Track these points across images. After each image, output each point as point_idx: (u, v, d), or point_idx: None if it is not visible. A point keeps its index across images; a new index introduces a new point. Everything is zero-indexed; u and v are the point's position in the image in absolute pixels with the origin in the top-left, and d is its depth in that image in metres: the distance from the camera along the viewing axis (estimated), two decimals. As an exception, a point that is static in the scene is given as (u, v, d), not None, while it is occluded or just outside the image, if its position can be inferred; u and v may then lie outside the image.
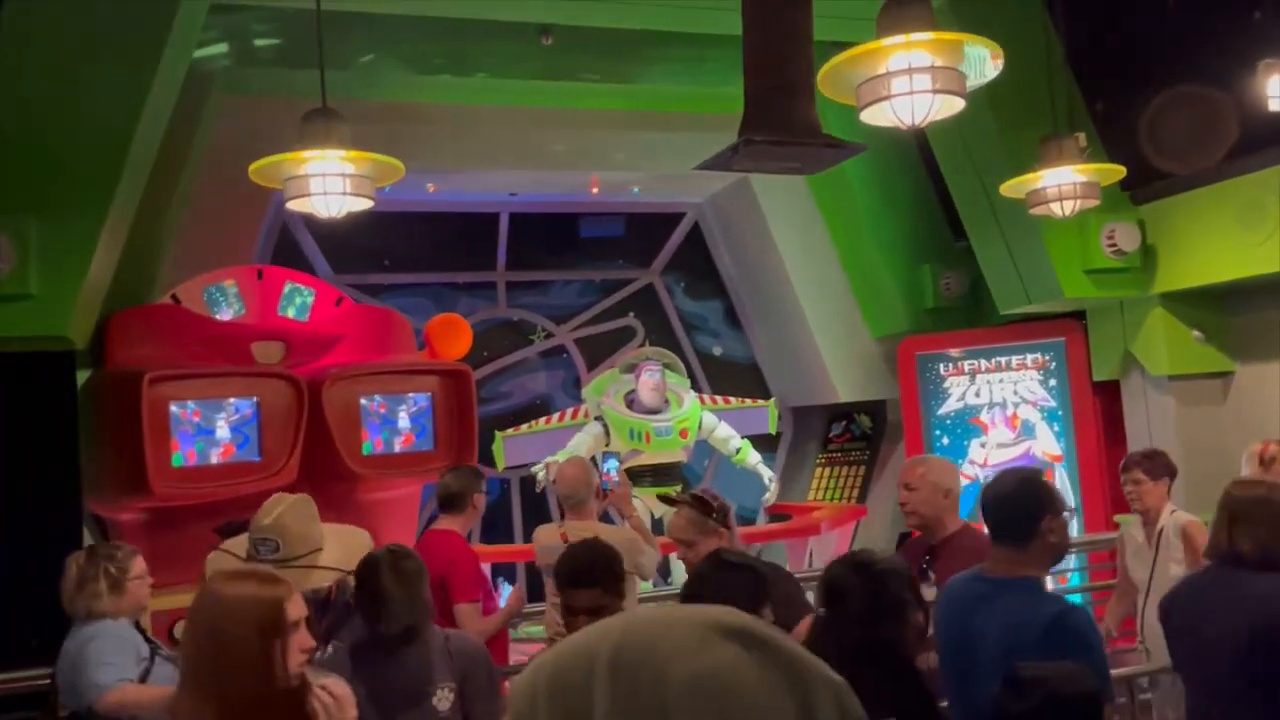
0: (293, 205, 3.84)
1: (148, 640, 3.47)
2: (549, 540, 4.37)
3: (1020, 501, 2.62)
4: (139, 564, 3.42)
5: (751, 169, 4.58)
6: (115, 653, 3.22)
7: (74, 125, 4.83)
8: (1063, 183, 4.81)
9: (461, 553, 4.24)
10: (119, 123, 4.93)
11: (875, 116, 3.23)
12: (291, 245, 7.85)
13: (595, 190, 8.38)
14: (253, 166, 3.78)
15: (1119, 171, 4.99)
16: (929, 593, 3.26)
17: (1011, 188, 5.03)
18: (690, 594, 2.57)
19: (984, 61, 3.22)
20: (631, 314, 9.05)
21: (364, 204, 3.86)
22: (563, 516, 4.66)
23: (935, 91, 3.05)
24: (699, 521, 3.45)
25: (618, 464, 4.94)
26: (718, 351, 9.27)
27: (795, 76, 3.79)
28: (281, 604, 1.91)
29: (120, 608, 3.33)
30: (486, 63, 6.96)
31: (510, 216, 8.59)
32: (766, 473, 7.74)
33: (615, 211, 8.90)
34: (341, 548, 3.05)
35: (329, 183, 3.70)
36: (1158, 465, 4.51)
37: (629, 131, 7.44)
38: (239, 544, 3.17)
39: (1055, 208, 4.86)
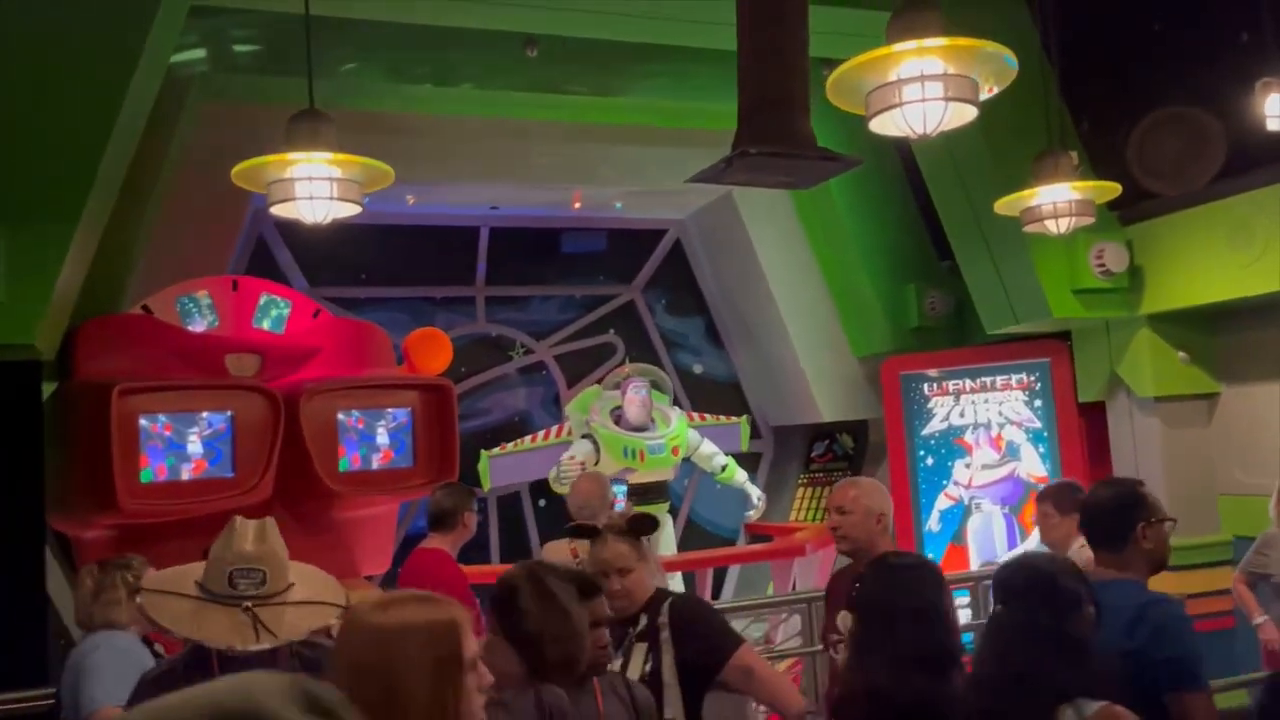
0: (277, 210, 3.70)
1: (156, 655, 3.37)
2: (559, 557, 4.24)
3: (1112, 510, 2.75)
4: (152, 575, 3.35)
5: (745, 182, 4.49)
6: (114, 668, 3.12)
7: (46, 129, 4.66)
8: (1058, 200, 4.77)
9: (452, 574, 4.07)
10: (93, 127, 4.77)
11: (885, 125, 3.15)
12: (267, 257, 7.69)
13: (577, 205, 8.28)
14: (236, 169, 3.64)
15: (1114, 189, 4.96)
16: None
17: (1006, 205, 4.97)
18: (870, 595, 2.67)
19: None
20: (612, 331, 8.94)
21: (351, 210, 3.73)
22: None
23: (948, 99, 2.97)
24: (638, 546, 3.19)
25: (625, 490, 4.82)
26: (698, 369, 9.17)
27: (790, 89, 3.71)
28: (459, 629, 1.54)
29: (137, 616, 3.25)
30: (470, 73, 6.84)
31: (490, 230, 8.47)
32: (755, 491, 7.66)
33: (597, 227, 8.80)
34: (315, 580, 2.48)
35: (315, 187, 3.57)
36: (1068, 499, 4.39)
37: (613, 146, 7.35)
38: (174, 579, 2.42)
39: (1050, 225, 4.81)
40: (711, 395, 8.97)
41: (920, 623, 2.55)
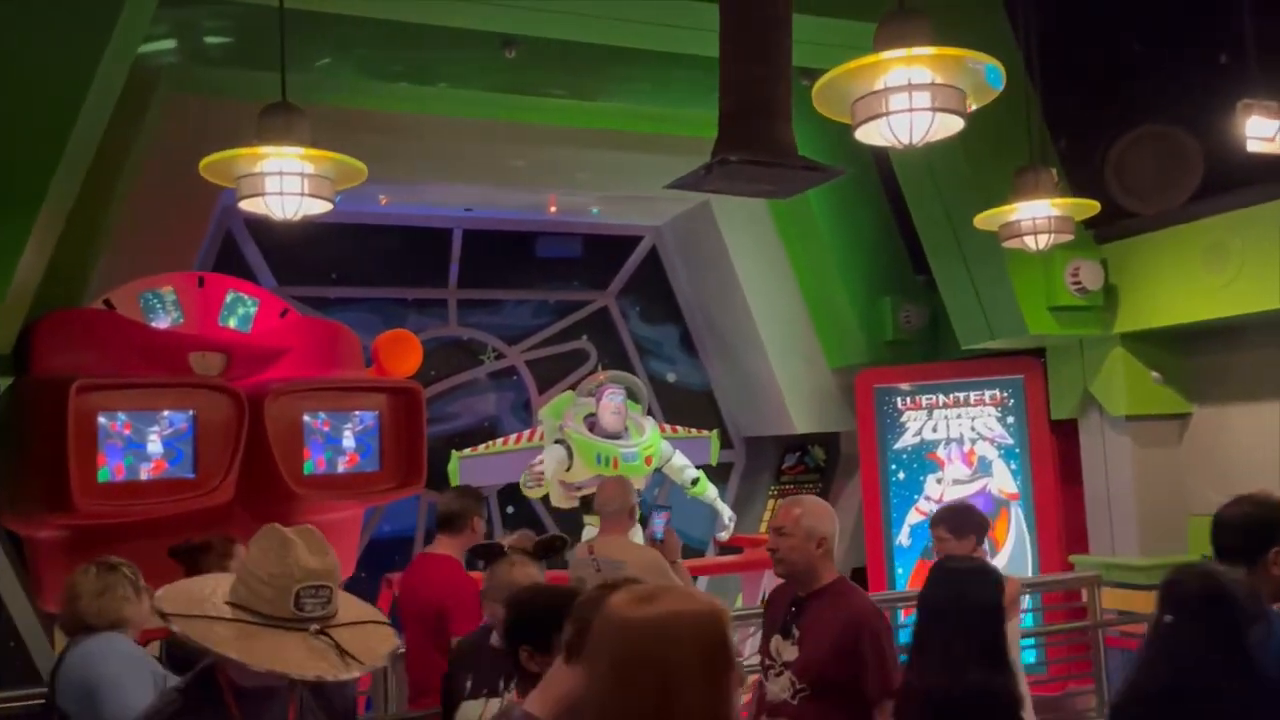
0: (246, 205, 3.60)
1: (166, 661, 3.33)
2: (579, 555, 4.20)
3: (1246, 528, 2.67)
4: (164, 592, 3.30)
5: (724, 190, 4.43)
6: (134, 679, 3.05)
7: (7, 115, 4.53)
8: (1038, 216, 4.74)
9: (461, 579, 3.95)
10: (56, 116, 4.64)
11: (870, 135, 3.09)
12: (235, 254, 7.54)
13: (553, 209, 8.20)
14: (204, 162, 3.53)
15: (1094, 207, 4.94)
16: (792, 651, 3.11)
17: (985, 220, 4.95)
18: (930, 598, 2.78)
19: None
20: (585, 337, 8.86)
21: (323, 207, 3.63)
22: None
23: (935, 110, 2.92)
24: (544, 570, 3.00)
25: (665, 513, 4.76)
26: (671, 378, 9.11)
27: (772, 97, 3.67)
28: (724, 620, 1.47)
29: (140, 614, 3.25)
30: (447, 72, 6.75)
31: (464, 233, 8.37)
32: (726, 511, 7.56)
33: (572, 232, 8.72)
34: (347, 597, 2.21)
35: (286, 182, 3.47)
36: (964, 522, 4.22)
37: (590, 150, 7.29)
38: (193, 599, 2.08)
39: (1029, 241, 4.79)
40: (684, 404, 8.91)
41: (977, 622, 2.66)
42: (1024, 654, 5.70)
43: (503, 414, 8.59)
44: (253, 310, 6.08)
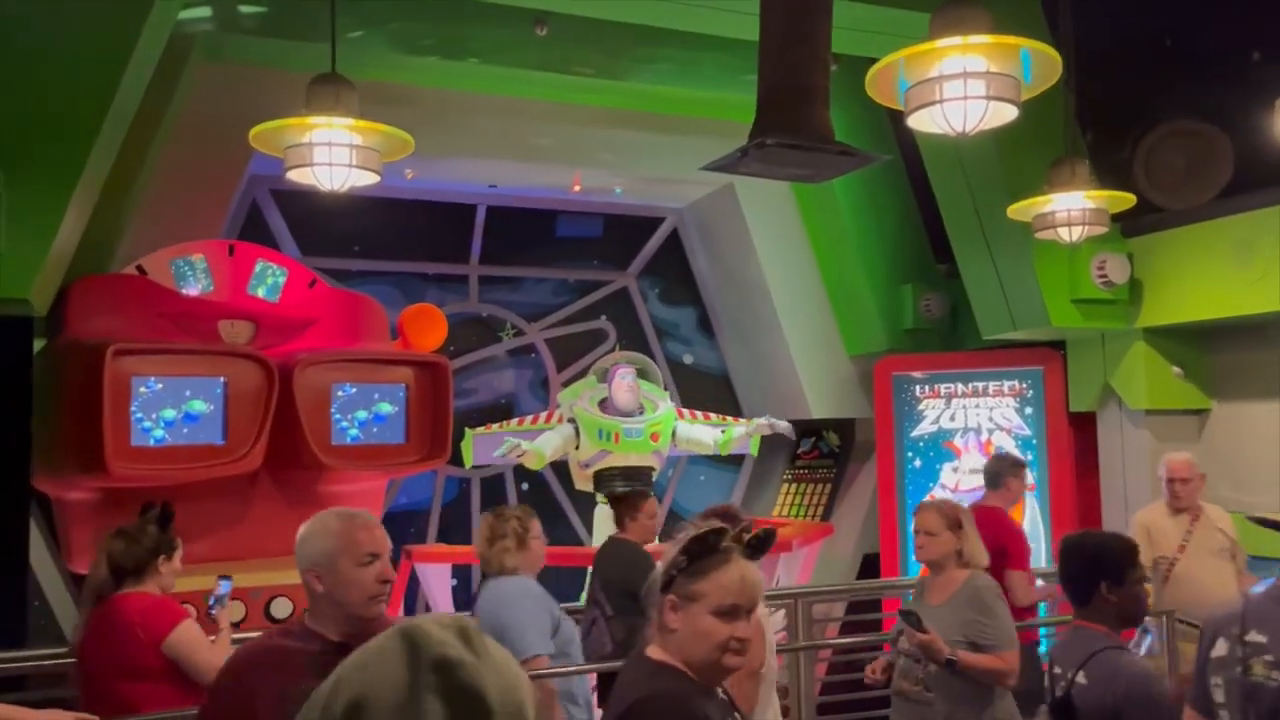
0: (294, 175, 3.62)
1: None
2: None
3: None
4: (536, 524, 3.74)
5: (761, 173, 4.43)
6: (539, 620, 3.47)
7: (53, 81, 4.55)
8: (1072, 208, 4.76)
9: (1008, 525, 4.73)
10: (100, 83, 4.66)
11: (923, 122, 3.11)
12: (260, 224, 7.56)
13: (577, 188, 8.21)
14: (254, 131, 3.55)
15: (1129, 199, 4.95)
16: None
17: (1019, 210, 4.96)
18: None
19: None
20: (604, 317, 8.88)
21: (370, 179, 3.65)
22: None
23: (989, 99, 2.93)
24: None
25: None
26: (689, 360, 9.14)
27: (812, 81, 3.67)
28: None
29: (525, 562, 3.63)
30: (478, 48, 6.74)
31: (488, 209, 8.38)
32: (781, 423, 7.35)
33: (595, 211, 8.73)
34: None
35: (335, 153, 3.49)
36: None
37: (617, 130, 7.28)
38: None
39: (1063, 232, 4.80)
40: (701, 387, 8.94)
41: None
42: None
43: (520, 391, 8.62)
44: (281, 280, 6.11)
